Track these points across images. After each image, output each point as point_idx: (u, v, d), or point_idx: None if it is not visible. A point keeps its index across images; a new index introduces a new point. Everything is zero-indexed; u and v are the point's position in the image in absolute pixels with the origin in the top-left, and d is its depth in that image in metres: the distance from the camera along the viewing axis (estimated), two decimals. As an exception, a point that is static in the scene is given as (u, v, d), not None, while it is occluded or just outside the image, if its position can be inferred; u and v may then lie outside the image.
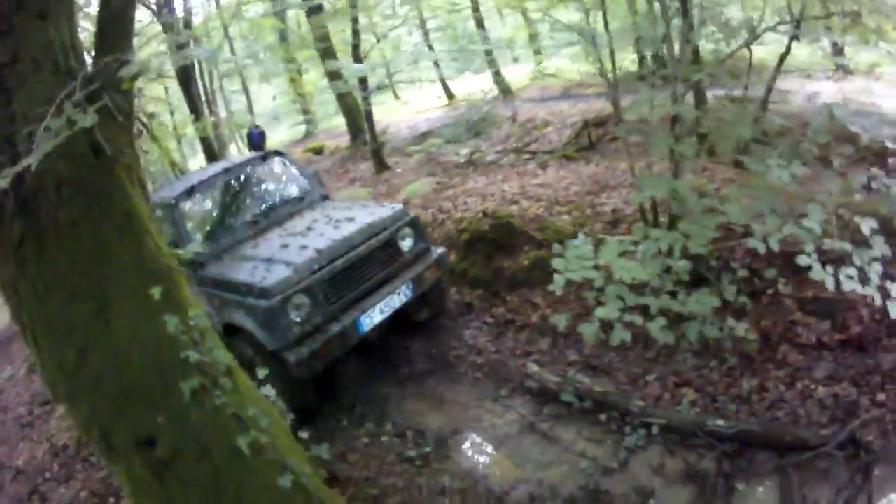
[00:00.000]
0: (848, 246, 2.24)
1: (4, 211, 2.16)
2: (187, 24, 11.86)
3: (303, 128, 20.17)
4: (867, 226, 2.27)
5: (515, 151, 9.95)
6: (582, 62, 11.60)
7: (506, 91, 14.99)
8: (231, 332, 4.33)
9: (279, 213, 5.12)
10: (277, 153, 5.79)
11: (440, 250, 4.83)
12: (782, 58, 6.48)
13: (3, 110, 2.10)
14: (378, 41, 13.35)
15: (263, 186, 5.57)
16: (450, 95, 17.51)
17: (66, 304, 2.23)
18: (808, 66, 11.06)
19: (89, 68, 2.15)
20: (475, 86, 17.08)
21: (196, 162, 18.66)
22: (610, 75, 4.84)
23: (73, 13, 2.45)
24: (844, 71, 11.05)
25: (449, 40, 19.93)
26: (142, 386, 2.19)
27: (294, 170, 5.65)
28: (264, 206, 5.28)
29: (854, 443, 3.17)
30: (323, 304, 4.06)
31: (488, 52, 15.30)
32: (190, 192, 5.05)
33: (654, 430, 3.54)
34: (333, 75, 12.42)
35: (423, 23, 17.76)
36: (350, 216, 4.63)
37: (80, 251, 2.25)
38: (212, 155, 11.39)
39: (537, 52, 17.22)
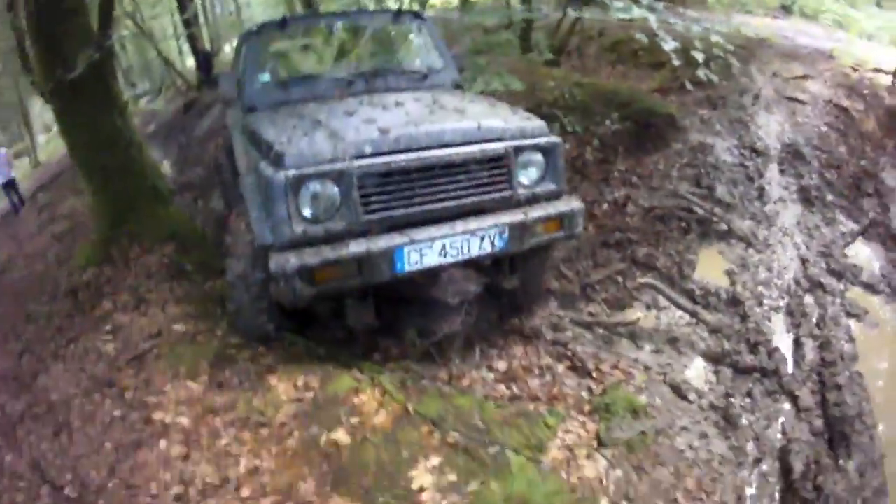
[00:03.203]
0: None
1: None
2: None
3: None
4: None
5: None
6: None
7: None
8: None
9: (386, 82, 4.09)
10: (416, 15, 4.71)
11: (576, 204, 3.34)
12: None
13: (80, 34, 5.73)
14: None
15: (380, 48, 4.67)
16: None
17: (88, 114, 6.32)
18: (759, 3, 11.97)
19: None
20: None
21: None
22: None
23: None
24: (785, 11, 12.11)
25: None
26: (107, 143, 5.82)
27: (429, 41, 4.54)
28: (369, 68, 4.32)
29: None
30: (356, 206, 2.80)
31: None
32: (280, 26, 4.40)
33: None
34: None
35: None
36: (460, 107, 3.38)
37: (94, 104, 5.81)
38: (200, 55, 13.78)
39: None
